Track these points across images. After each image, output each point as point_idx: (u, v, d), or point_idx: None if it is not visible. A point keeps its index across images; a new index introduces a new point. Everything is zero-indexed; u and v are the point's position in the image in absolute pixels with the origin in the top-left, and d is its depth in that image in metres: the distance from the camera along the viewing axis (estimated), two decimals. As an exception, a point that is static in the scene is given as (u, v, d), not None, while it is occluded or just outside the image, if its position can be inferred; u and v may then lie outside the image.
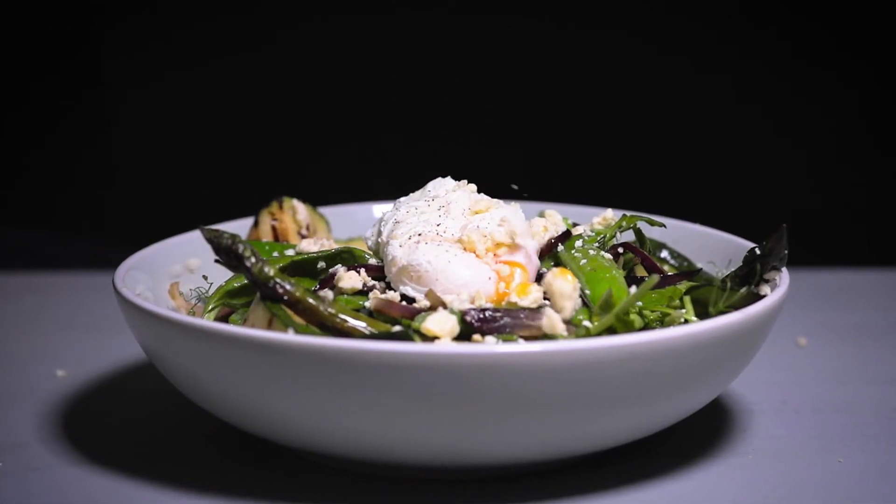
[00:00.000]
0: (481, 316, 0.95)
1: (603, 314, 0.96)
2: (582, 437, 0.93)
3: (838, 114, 1.79)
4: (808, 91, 1.78)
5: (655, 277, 0.97)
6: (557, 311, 0.96)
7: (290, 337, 0.90)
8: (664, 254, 1.16)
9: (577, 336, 0.95)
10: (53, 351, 1.28)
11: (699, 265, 1.14)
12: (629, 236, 1.11)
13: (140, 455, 1.02)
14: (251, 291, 1.03)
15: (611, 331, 0.96)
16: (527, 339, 0.95)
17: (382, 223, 1.06)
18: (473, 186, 1.07)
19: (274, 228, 1.18)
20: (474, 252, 1.01)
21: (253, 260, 0.96)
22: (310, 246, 1.09)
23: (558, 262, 1.04)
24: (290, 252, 1.10)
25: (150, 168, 1.83)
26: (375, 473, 0.97)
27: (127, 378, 1.20)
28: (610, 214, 1.12)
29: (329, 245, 1.10)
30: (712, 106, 1.79)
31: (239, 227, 1.19)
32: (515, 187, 1.12)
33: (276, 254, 1.10)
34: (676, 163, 1.81)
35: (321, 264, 1.06)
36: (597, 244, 1.06)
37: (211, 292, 1.08)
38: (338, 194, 1.30)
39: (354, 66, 1.79)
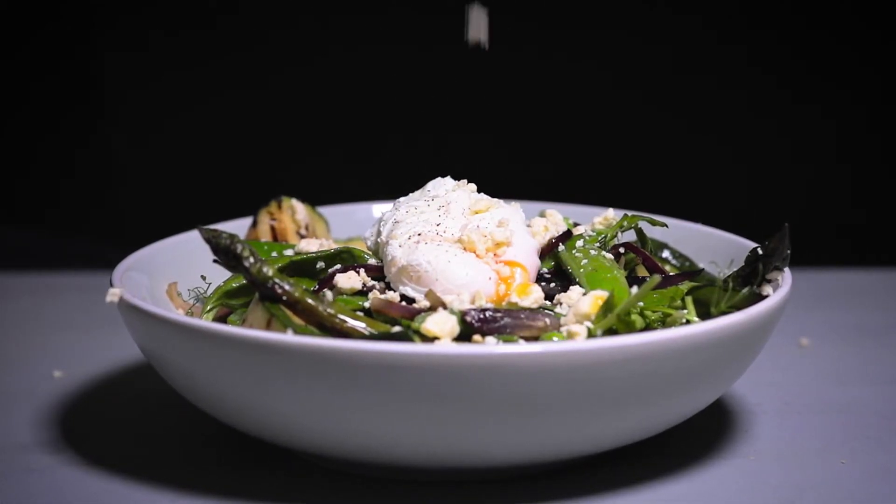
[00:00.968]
0: (481, 316, 0.94)
1: (604, 315, 0.96)
2: (583, 438, 0.93)
3: (839, 114, 1.79)
4: (808, 91, 1.78)
5: (657, 278, 0.97)
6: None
7: (288, 338, 0.90)
8: (666, 254, 1.16)
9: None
10: (51, 352, 1.28)
11: (701, 265, 1.14)
12: (630, 236, 1.11)
13: (138, 456, 1.02)
14: (250, 292, 1.03)
15: (612, 331, 0.96)
16: (527, 339, 0.95)
17: (382, 223, 1.06)
18: (473, 186, 1.07)
19: (273, 228, 1.18)
20: (474, 252, 1.01)
21: (251, 260, 0.96)
22: (309, 246, 1.09)
23: (559, 262, 1.04)
24: (288, 252, 1.10)
25: (147, 168, 1.83)
26: (374, 475, 0.97)
27: (125, 379, 1.20)
28: (611, 214, 1.11)
29: (328, 245, 1.09)
30: (713, 105, 1.79)
31: (237, 227, 1.19)
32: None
33: (274, 254, 1.10)
34: (678, 162, 1.81)
35: (320, 264, 1.05)
36: (598, 244, 1.06)
37: (209, 293, 1.08)
38: (337, 194, 1.30)
39: (354, 65, 1.79)
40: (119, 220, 1.83)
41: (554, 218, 1.11)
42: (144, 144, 1.82)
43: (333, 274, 1.02)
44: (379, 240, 1.05)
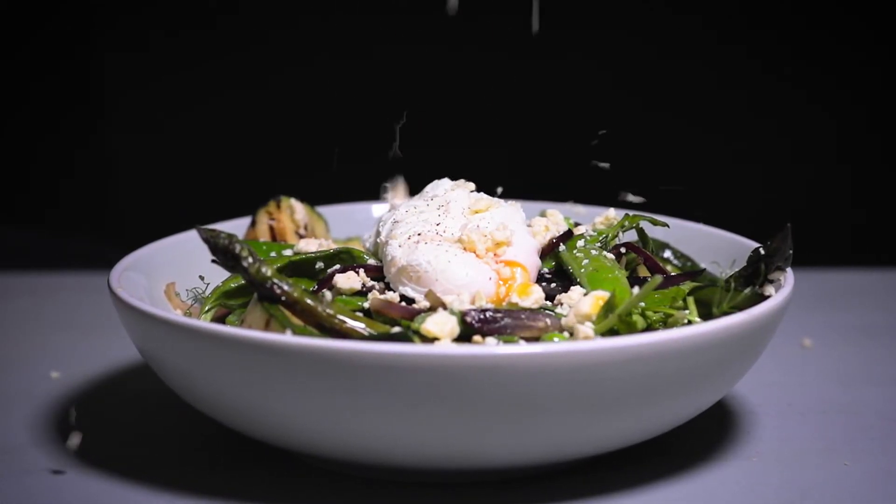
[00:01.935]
0: (482, 317, 0.94)
1: (605, 315, 0.95)
2: (584, 439, 0.93)
3: (841, 113, 1.79)
4: (810, 91, 1.78)
5: (658, 278, 0.96)
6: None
7: (287, 338, 0.89)
8: (667, 254, 1.16)
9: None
10: (48, 352, 1.27)
11: (703, 265, 1.13)
12: (632, 236, 1.10)
13: (135, 458, 1.02)
14: (248, 292, 1.02)
15: (613, 332, 0.95)
16: (528, 340, 0.94)
17: (381, 223, 1.05)
18: (472, 185, 1.07)
19: (271, 228, 1.18)
20: (474, 252, 1.01)
21: (250, 260, 0.96)
22: (308, 246, 1.09)
23: (560, 262, 1.04)
24: (287, 252, 1.10)
25: (146, 168, 1.83)
26: (374, 476, 0.97)
27: (122, 380, 1.19)
28: (612, 214, 1.11)
29: (327, 245, 1.09)
30: (715, 105, 1.79)
31: (236, 227, 1.19)
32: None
33: (273, 254, 1.10)
34: (679, 162, 1.81)
35: (319, 265, 1.05)
36: (599, 244, 1.05)
37: (207, 293, 1.07)
38: (336, 194, 1.30)
39: (353, 65, 1.79)
40: (117, 220, 1.83)
41: (555, 217, 1.11)
42: (143, 144, 1.82)
43: (333, 274, 1.02)
44: (378, 240, 1.04)
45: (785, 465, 1.01)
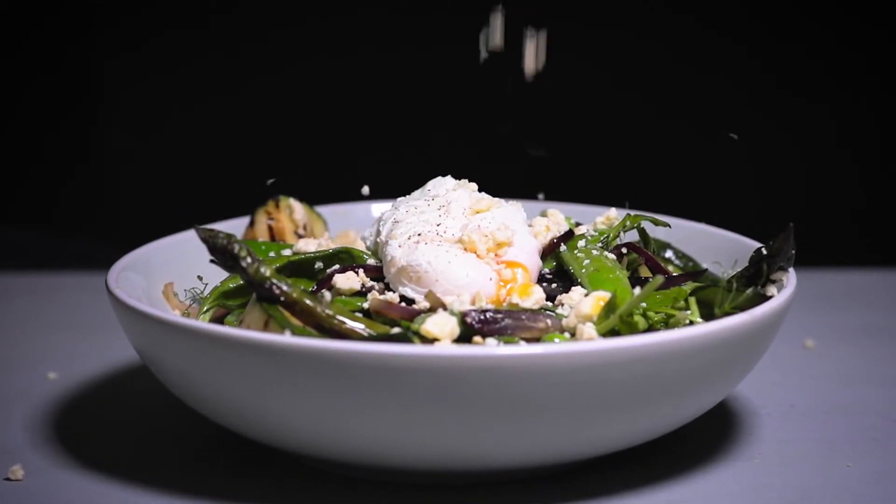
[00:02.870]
0: (482, 317, 0.94)
1: (606, 316, 0.95)
2: (585, 441, 0.93)
3: (844, 113, 1.79)
4: (813, 91, 1.78)
5: (660, 278, 0.96)
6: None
7: (286, 339, 0.89)
8: (669, 254, 1.15)
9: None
10: (45, 353, 1.27)
11: (704, 265, 1.13)
12: (633, 236, 1.10)
13: (133, 459, 1.01)
14: (247, 292, 1.02)
15: (615, 333, 0.95)
16: (528, 341, 0.94)
17: (381, 223, 1.05)
18: (474, 185, 1.06)
19: (270, 228, 1.17)
20: (475, 252, 1.00)
21: (249, 260, 0.95)
22: (307, 246, 1.08)
23: (561, 263, 1.03)
24: (286, 252, 1.09)
25: (144, 167, 1.83)
26: (374, 478, 0.97)
27: (120, 381, 1.19)
28: (613, 214, 1.11)
29: (326, 245, 1.09)
30: (717, 104, 1.79)
31: (234, 227, 1.18)
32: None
33: (272, 254, 1.09)
34: (681, 161, 1.81)
35: (318, 265, 1.05)
36: (600, 244, 1.05)
37: (206, 293, 1.07)
38: (335, 193, 1.29)
39: (352, 65, 1.79)
40: (115, 220, 1.83)
41: (555, 217, 1.11)
42: (141, 144, 1.82)
43: (332, 274, 1.02)
44: (378, 240, 1.04)
45: (787, 465, 1.01)
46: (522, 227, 1.04)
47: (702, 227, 1.17)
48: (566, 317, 0.97)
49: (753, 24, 1.77)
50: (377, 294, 1.00)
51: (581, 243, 1.05)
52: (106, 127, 1.81)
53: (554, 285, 1.02)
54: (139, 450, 1.03)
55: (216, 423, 0.97)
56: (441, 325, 0.93)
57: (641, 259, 1.06)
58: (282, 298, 0.94)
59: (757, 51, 1.78)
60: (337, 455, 0.93)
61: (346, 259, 1.05)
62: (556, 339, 0.95)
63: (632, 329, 0.95)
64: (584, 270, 1.02)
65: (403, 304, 0.98)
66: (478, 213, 1.03)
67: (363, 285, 1.01)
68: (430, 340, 0.93)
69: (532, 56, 1.13)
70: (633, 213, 1.09)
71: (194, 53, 1.78)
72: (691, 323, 0.97)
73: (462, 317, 0.94)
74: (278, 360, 0.89)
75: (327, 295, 0.97)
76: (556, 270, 1.04)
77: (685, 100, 1.80)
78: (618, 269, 1.02)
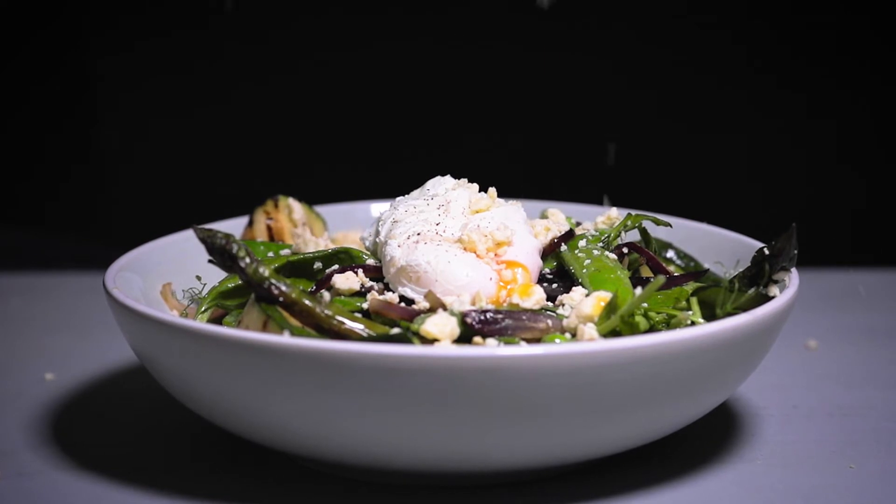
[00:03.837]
0: (482, 318, 0.94)
1: (607, 316, 0.95)
2: (586, 442, 0.92)
3: (846, 114, 1.79)
4: (815, 91, 1.78)
5: (661, 278, 0.96)
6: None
7: (285, 339, 0.89)
8: (670, 254, 1.15)
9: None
10: (42, 354, 1.27)
11: (706, 265, 1.13)
12: (634, 236, 1.10)
13: (131, 461, 1.01)
14: (245, 293, 1.02)
15: (616, 333, 0.95)
16: (529, 341, 0.94)
17: (380, 222, 1.05)
18: (475, 186, 1.06)
19: (269, 228, 1.17)
20: (475, 252, 1.00)
21: (247, 260, 0.95)
22: (306, 246, 1.08)
23: (561, 262, 1.03)
24: (285, 252, 1.09)
25: (141, 166, 1.83)
26: (372, 480, 0.96)
27: (117, 381, 1.19)
28: (614, 213, 1.10)
29: (325, 245, 1.08)
30: (718, 104, 1.79)
31: (233, 227, 1.18)
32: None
33: (271, 254, 1.09)
34: (683, 161, 1.81)
35: (318, 265, 1.05)
36: (601, 244, 1.05)
37: (204, 293, 1.07)
38: (335, 193, 1.29)
39: (351, 64, 1.79)
40: (113, 220, 1.83)
41: (556, 217, 1.11)
42: (139, 144, 1.82)
43: (331, 274, 1.01)
44: (377, 240, 1.04)
45: (790, 467, 1.01)
46: (522, 227, 1.03)
47: (703, 226, 1.16)
48: (567, 317, 0.96)
49: (756, 24, 1.77)
50: (376, 294, 0.99)
51: (582, 243, 1.04)
52: (104, 126, 1.81)
53: (555, 285, 1.02)
54: (137, 451, 1.03)
55: (214, 424, 0.97)
56: (441, 326, 0.93)
57: (643, 259, 1.06)
58: (280, 299, 0.94)
59: (757, 50, 1.78)
60: (336, 457, 0.92)
61: (345, 259, 1.05)
62: (557, 340, 0.94)
63: (633, 330, 0.95)
64: (584, 270, 1.01)
65: (403, 304, 0.98)
66: (477, 212, 1.03)
67: (362, 285, 1.01)
68: (430, 341, 0.92)
69: None
70: (634, 212, 1.09)
71: (193, 54, 1.78)
72: (693, 323, 0.97)
73: (462, 317, 0.93)
74: (277, 360, 0.88)
75: (326, 295, 0.97)
76: (556, 270, 1.04)
77: (686, 99, 1.80)
78: (619, 269, 1.01)
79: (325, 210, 1.23)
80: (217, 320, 1.03)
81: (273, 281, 0.94)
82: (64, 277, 1.55)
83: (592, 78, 1.80)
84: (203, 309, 1.04)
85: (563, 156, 1.84)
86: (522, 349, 0.88)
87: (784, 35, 1.77)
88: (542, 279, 1.02)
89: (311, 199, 1.22)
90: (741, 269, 1.03)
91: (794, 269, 1.01)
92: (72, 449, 1.03)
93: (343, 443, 0.91)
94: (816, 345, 1.29)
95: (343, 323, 0.94)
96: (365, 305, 0.98)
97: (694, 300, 0.99)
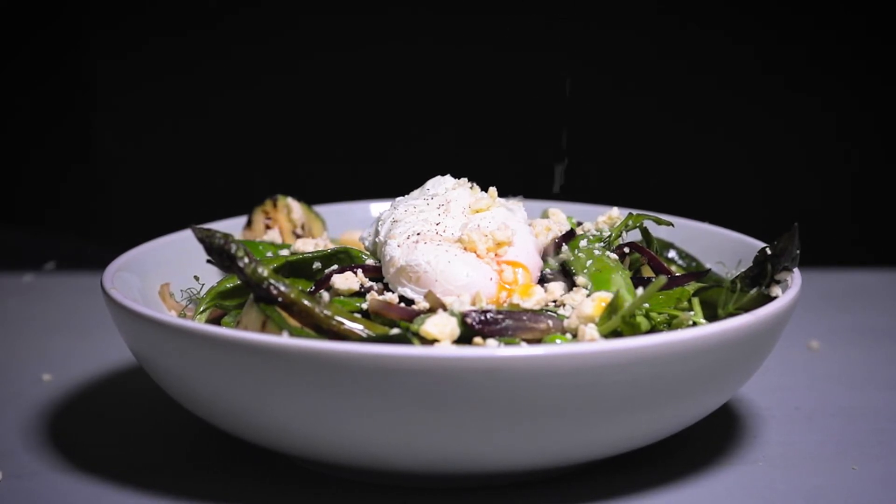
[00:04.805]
0: (482, 318, 0.93)
1: (609, 317, 0.94)
2: (587, 443, 0.92)
3: (848, 113, 1.79)
4: (818, 91, 1.78)
5: (663, 278, 0.95)
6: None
7: (284, 340, 0.89)
8: (672, 254, 1.15)
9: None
10: (39, 354, 1.27)
11: (708, 266, 1.13)
12: (635, 235, 1.09)
13: (129, 462, 1.01)
14: (244, 293, 1.02)
15: (617, 334, 0.94)
16: (530, 342, 0.94)
17: (380, 222, 1.05)
18: (478, 188, 1.06)
19: (268, 227, 1.17)
20: (475, 252, 1.00)
21: (246, 260, 0.95)
22: (305, 246, 1.08)
23: (562, 262, 1.02)
24: (284, 252, 1.09)
25: (140, 166, 1.83)
26: (372, 481, 0.96)
27: (115, 382, 1.19)
28: (616, 213, 1.10)
29: (325, 245, 1.08)
30: (720, 103, 1.79)
31: (232, 227, 1.18)
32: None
33: (269, 254, 1.09)
34: (684, 160, 1.81)
35: (317, 265, 1.05)
36: (602, 244, 1.04)
37: (202, 294, 1.06)
38: (334, 192, 1.29)
39: (351, 64, 1.79)
40: (111, 220, 1.84)
41: (557, 217, 1.11)
42: (137, 143, 1.82)
43: (330, 275, 1.01)
44: (377, 239, 1.04)
45: (792, 469, 1.00)
46: (523, 227, 1.03)
47: (705, 226, 1.16)
48: (568, 318, 0.96)
49: (759, 24, 1.77)
50: (376, 294, 0.99)
51: (583, 243, 1.04)
52: (102, 126, 1.81)
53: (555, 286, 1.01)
54: (134, 452, 1.03)
55: (212, 424, 0.97)
56: (441, 326, 0.92)
57: (644, 259, 1.06)
58: (279, 299, 0.94)
59: (762, 51, 1.78)
60: (334, 458, 0.92)
61: (344, 259, 1.05)
62: (558, 341, 0.94)
63: (634, 330, 0.94)
64: (585, 270, 1.01)
65: (403, 304, 0.98)
66: (477, 212, 1.02)
67: (362, 286, 1.00)
68: (430, 341, 0.92)
69: None
70: (635, 212, 1.09)
71: (192, 54, 1.78)
72: (695, 324, 0.97)
73: (462, 317, 0.93)
74: (276, 361, 0.88)
75: (326, 295, 0.97)
76: (557, 270, 1.03)
77: (688, 99, 1.80)
78: (620, 269, 1.01)
79: (324, 210, 1.23)
80: (216, 321, 1.03)
81: (272, 281, 0.94)
82: (62, 277, 1.55)
83: (595, 77, 1.80)
84: (201, 309, 1.03)
85: (567, 155, 1.84)
86: (523, 350, 0.88)
87: (787, 35, 1.77)
88: (542, 279, 1.02)
89: (311, 198, 1.22)
90: (743, 270, 1.03)
91: (796, 270, 1.01)
92: (69, 450, 1.03)
93: (342, 444, 0.90)
94: (819, 345, 1.29)
95: (342, 323, 0.93)
96: (364, 306, 0.98)
97: (695, 300, 0.99)
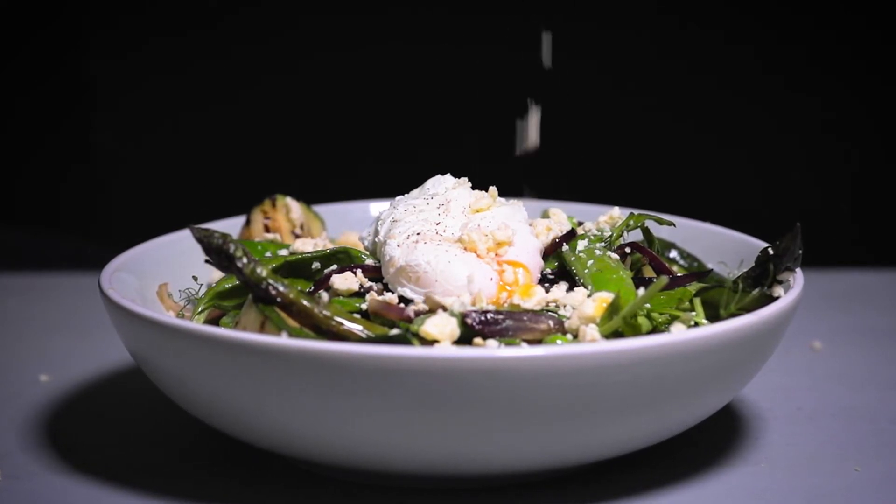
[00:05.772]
0: (483, 318, 0.93)
1: (610, 317, 0.94)
2: (588, 444, 0.92)
3: (850, 113, 1.79)
4: (819, 92, 1.78)
5: (664, 279, 0.95)
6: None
7: (283, 340, 0.88)
8: (673, 254, 1.15)
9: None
10: (37, 355, 1.27)
11: (710, 266, 1.12)
12: (637, 235, 1.09)
13: (127, 463, 1.01)
14: (243, 293, 1.01)
15: (618, 334, 0.94)
16: (530, 342, 0.93)
17: (379, 222, 1.05)
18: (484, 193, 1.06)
19: (267, 227, 1.17)
20: (475, 252, 1.00)
21: (245, 260, 0.95)
22: (304, 246, 1.08)
23: (563, 263, 1.02)
24: (283, 252, 1.09)
25: (138, 166, 1.84)
26: (371, 483, 0.96)
27: (113, 383, 1.19)
28: (617, 213, 1.10)
29: (324, 245, 1.08)
30: (722, 103, 1.79)
31: (230, 226, 1.18)
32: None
33: (268, 254, 1.09)
34: (685, 160, 1.81)
35: (316, 265, 1.04)
36: (603, 244, 1.04)
37: (201, 294, 1.06)
38: (334, 192, 1.29)
39: (350, 64, 1.79)
40: (109, 220, 1.84)
41: (558, 217, 1.11)
42: (136, 143, 1.82)
43: (329, 275, 1.01)
44: (377, 239, 1.04)
45: (794, 470, 1.00)
46: (523, 227, 1.03)
47: (707, 226, 1.16)
48: (568, 318, 0.96)
49: (760, 24, 1.77)
50: (375, 295, 0.99)
51: (584, 243, 1.04)
52: (100, 125, 1.82)
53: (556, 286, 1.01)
54: (132, 453, 1.03)
55: (211, 426, 0.96)
56: (441, 327, 0.92)
57: (645, 259, 1.06)
58: (278, 299, 0.94)
59: (762, 51, 1.78)
60: (334, 459, 0.92)
61: (343, 259, 1.04)
62: (559, 341, 0.94)
63: (635, 331, 0.94)
64: (586, 270, 1.01)
65: (402, 304, 0.98)
66: (478, 212, 1.02)
67: (361, 286, 1.00)
68: (430, 342, 0.92)
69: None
70: (636, 212, 1.09)
71: (192, 54, 1.79)
72: (696, 324, 0.97)
73: (462, 318, 0.93)
74: (275, 362, 0.88)
75: (325, 296, 0.97)
76: (558, 270, 1.03)
77: (690, 99, 1.80)
78: (621, 270, 1.01)
79: (323, 210, 1.23)
80: (214, 321, 1.03)
81: (271, 281, 0.94)
82: (60, 277, 1.55)
83: (595, 77, 1.80)
84: (200, 310, 1.03)
85: (567, 154, 1.85)
86: (523, 350, 0.87)
87: (787, 35, 1.77)
88: (543, 279, 1.02)
89: (310, 198, 1.21)
90: (745, 270, 1.03)
91: (798, 270, 1.01)
92: (67, 450, 1.03)
93: (341, 445, 0.90)
94: (821, 346, 1.29)
95: (341, 324, 0.93)
96: (364, 306, 0.98)
97: (697, 301, 0.98)
